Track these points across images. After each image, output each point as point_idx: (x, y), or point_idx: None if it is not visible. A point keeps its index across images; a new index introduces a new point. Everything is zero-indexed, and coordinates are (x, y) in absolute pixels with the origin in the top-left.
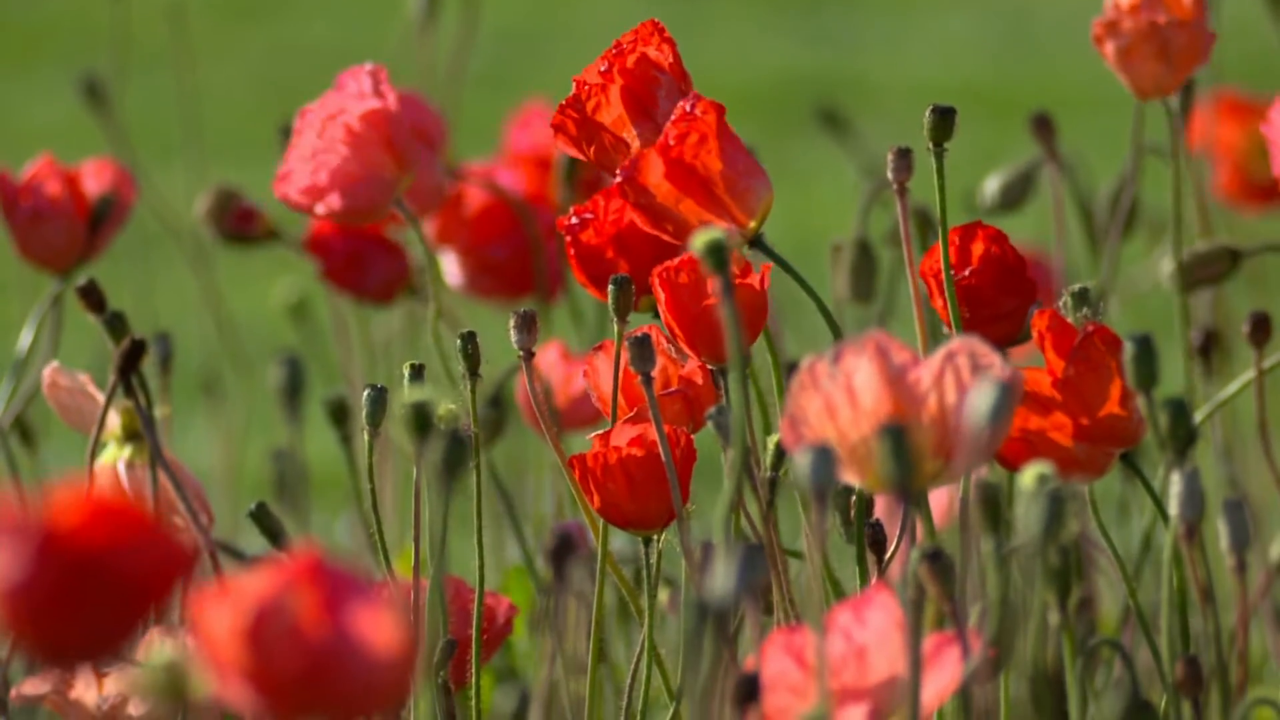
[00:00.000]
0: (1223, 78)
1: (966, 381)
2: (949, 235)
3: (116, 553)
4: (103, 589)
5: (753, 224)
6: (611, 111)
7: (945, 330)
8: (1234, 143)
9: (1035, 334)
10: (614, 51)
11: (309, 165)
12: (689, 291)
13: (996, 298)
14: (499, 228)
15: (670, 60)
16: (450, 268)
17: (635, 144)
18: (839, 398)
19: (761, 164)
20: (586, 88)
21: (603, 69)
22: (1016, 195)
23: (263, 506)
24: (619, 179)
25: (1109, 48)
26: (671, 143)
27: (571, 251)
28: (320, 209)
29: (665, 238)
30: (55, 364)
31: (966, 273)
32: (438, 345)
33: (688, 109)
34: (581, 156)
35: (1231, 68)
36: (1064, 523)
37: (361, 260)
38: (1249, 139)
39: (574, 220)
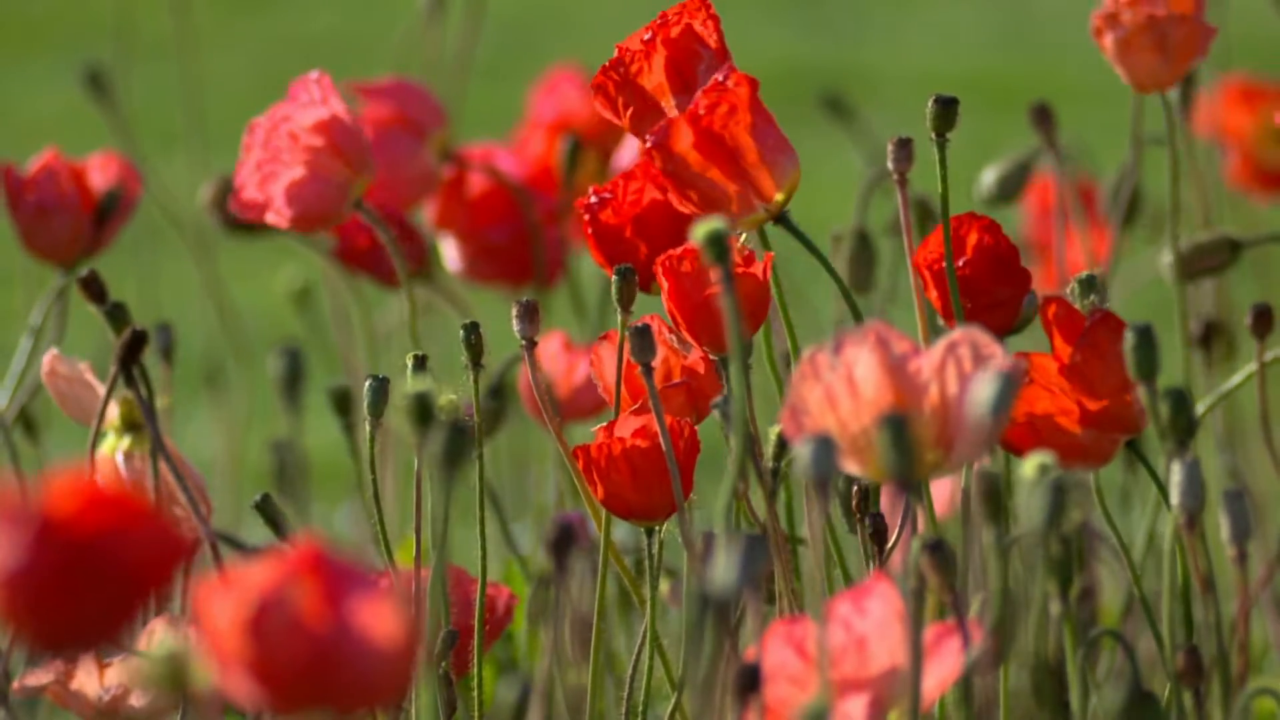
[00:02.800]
0: (1229, 65)
1: (968, 372)
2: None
3: (113, 539)
4: (99, 576)
5: (779, 197)
6: (653, 79)
7: (940, 321)
8: (1244, 129)
9: (1043, 320)
10: (659, 22)
11: (257, 176)
12: (692, 280)
13: (991, 287)
14: (498, 212)
15: (714, 36)
16: (450, 252)
17: (673, 114)
18: (840, 388)
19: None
20: (630, 53)
21: (646, 37)
22: (1014, 186)
23: (267, 498)
24: (648, 143)
25: (1107, 40)
26: (702, 112)
27: (589, 231)
28: (271, 218)
29: (689, 207)
30: (55, 351)
31: (961, 263)
32: (414, 341)
33: (720, 79)
34: (617, 120)
35: (1239, 54)
36: (1066, 513)
37: (378, 242)
38: (1260, 125)
39: (593, 199)
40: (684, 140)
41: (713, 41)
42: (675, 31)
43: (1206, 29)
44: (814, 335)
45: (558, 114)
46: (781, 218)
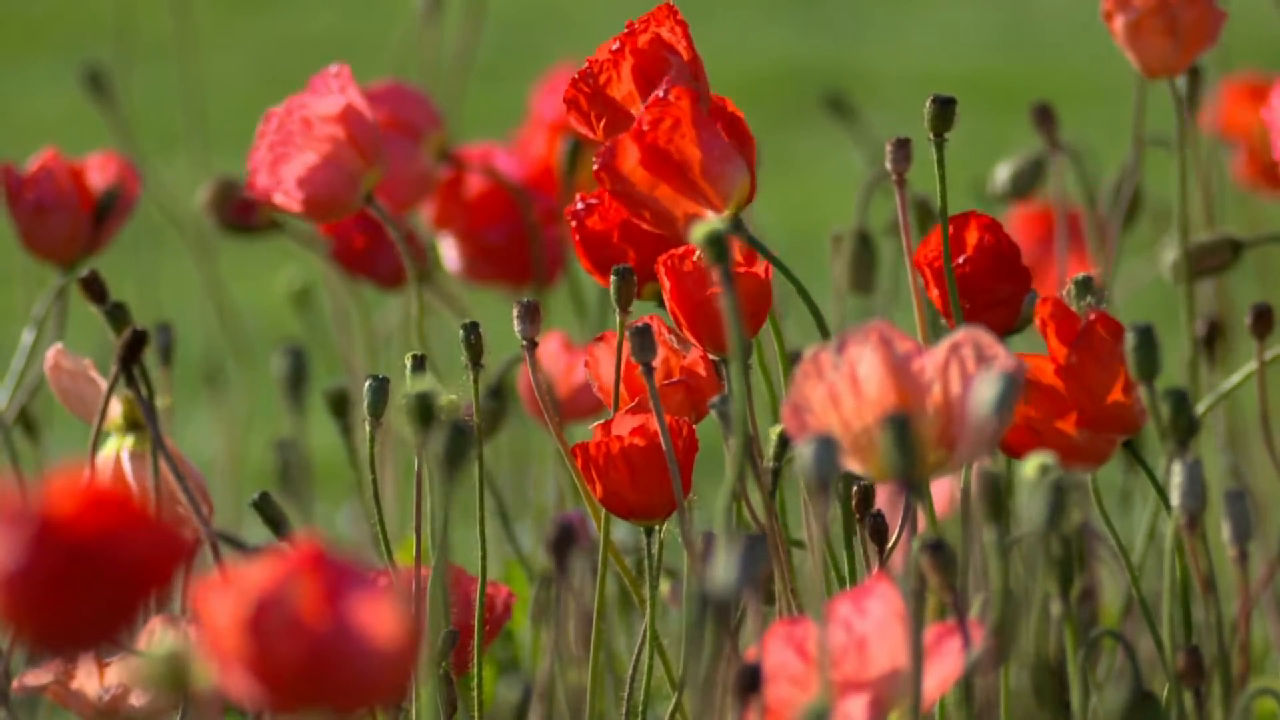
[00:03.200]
0: (1231, 65)
1: (971, 372)
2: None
3: (113, 540)
4: (99, 576)
5: (728, 210)
6: (622, 88)
7: (942, 320)
8: (1251, 126)
9: (1039, 322)
10: (626, 31)
11: (269, 158)
12: (693, 279)
13: (991, 285)
14: (497, 212)
15: (683, 43)
16: (448, 252)
17: None
18: (843, 387)
19: (758, 149)
20: (598, 63)
21: (615, 47)
22: (1027, 183)
23: (265, 496)
24: (595, 166)
25: (1118, 22)
26: (645, 128)
27: (577, 237)
28: (280, 199)
29: (644, 225)
30: (59, 346)
31: (961, 261)
32: (421, 341)
33: (661, 94)
34: (591, 133)
35: (1241, 54)
36: (1066, 513)
37: (375, 244)
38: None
39: (579, 206)
40: (630, 159)
41: (681, 48)
42: (643, 40)
43: (1217, 14)
44: (813, 335)
45: (559, 114)
46: (737, 225)
